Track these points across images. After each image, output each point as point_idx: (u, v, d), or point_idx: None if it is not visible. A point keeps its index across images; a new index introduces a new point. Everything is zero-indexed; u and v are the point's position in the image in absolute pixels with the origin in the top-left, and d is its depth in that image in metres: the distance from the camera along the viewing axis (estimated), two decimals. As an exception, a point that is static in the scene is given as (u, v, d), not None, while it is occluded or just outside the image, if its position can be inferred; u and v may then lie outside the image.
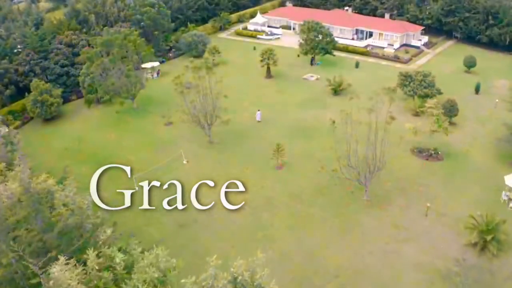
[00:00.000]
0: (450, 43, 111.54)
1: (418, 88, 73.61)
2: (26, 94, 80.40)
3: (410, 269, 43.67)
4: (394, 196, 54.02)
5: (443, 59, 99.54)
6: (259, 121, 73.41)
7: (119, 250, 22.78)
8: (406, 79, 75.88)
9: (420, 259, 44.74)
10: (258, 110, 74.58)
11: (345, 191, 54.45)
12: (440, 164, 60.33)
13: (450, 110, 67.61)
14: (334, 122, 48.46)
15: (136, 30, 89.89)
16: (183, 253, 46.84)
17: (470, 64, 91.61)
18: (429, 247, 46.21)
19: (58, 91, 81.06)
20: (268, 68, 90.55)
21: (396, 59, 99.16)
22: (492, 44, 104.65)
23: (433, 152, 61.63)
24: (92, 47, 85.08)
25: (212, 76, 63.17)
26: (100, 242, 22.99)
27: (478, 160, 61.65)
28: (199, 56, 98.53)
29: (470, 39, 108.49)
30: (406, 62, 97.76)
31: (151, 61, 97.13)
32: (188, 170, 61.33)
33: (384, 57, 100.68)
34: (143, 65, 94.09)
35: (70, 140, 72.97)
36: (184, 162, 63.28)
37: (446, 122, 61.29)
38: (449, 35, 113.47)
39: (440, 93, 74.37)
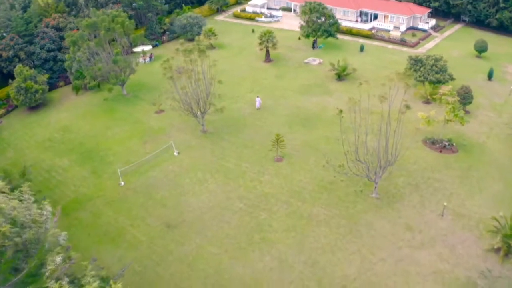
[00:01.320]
0: (458, 26, 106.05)
1: (429, 73, 68.09)
2: (10, 80, 75.82)
3: (427, 279, 38.47)
4: (406, 193, 48.69)
5: (451, 43, 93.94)
6: (258, 109, 67.92)
7: (72, 282, 17.52)
8: (416, 63, 70.35)
9: (438, 267, 39.61)
10: (257, 97, 69.19)
11: (352, 188, 49.23)
12: (455, 157, 54.98)
13: (464, 97, 62.20)
14: (341, 111, 42.94)
15: (124, 11, 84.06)
16: (169, 259, 42.00)
17: (481, 49, 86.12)
18: (448, 253, 41.01)
19: (43, 77, 76.63)
20: (267, 52, 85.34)
21: (403, 42, 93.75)
22: (502, 28, 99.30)
23: (447, 144, 56.31)
24: (79, 30, 79.64)
25: (205, 60, 57.62)
26: (47, 274, 17.62)
27: (496, 153, 56.36)
28: (194, 39, 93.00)
29: (479, 22, 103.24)
30: (413, 45, 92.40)
31: (143, 44, 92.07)
32: (179, 163, 56.29)
33: (390, 40, 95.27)
34: (135, 49, 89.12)
35: (54, 130, 68.35)
36: (175, 153, 58.16)
37: (462, 111, 55.89)
38: (456, 18, 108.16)
39: (452, 78, 69.03)
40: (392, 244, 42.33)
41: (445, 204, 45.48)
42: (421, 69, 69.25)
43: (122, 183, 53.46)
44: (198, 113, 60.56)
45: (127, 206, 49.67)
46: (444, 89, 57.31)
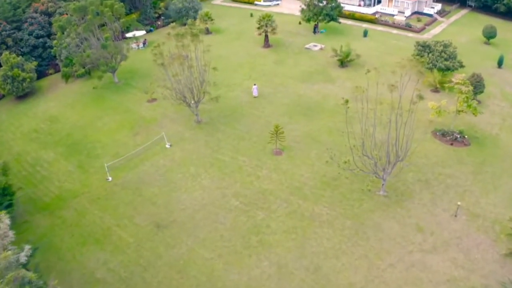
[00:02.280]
0: (464, 11, 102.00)
1: (437, 60, 64.16)
2: (-4, 69, 72.33)
3: (441, 287, 35.04)
4: (416, 190, 45.07)
5: (458, 29, 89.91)
6: (255, 97, 64.15)
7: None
8: (424, 49, 66.38)
9: (452, 274, 36.15)
10: (254, 85, 65.46)
11: (357, 184, 45.61)
12: (468, 150, 51.32)
13: (476, 86, 58.18)
14: (347, 101, 39.12)
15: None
16: (158, 264, 38.48)
17: (490, 35, 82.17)
18: (462, 258, 37.56)
19: (31, 65, 73.23)
20: (266, 37, 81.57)
21: (408, 27, 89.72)
22: (510, 14, 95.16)
23: (458, 136, 52.62)
24: (67, 14, 75.63)
25: (199, 45, 53.67)
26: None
27: (510, 146, 52.64)
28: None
29: (486, 8, 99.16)
30: (419, 31, 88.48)
31: (137, 29, 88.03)
32: (171, 156, 52.65)
33: (395, 26, 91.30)
34: (128, 34, 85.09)
35: (41, 120, 65.02)
36: (167, 146, 54.54)
37: (475, 101, 52.10)
38: (463, 3, 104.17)
39: (462, 66, 65.18)
40: (402, 247, 38.84)
41: (459, 203, 41.84)
42: (429, 55, 65.34)
43: (110, 178, 49.92)
44: (192, 102, 56.82)
45: (114, 204, 46.22)
46: (457, 77, 53.36)
